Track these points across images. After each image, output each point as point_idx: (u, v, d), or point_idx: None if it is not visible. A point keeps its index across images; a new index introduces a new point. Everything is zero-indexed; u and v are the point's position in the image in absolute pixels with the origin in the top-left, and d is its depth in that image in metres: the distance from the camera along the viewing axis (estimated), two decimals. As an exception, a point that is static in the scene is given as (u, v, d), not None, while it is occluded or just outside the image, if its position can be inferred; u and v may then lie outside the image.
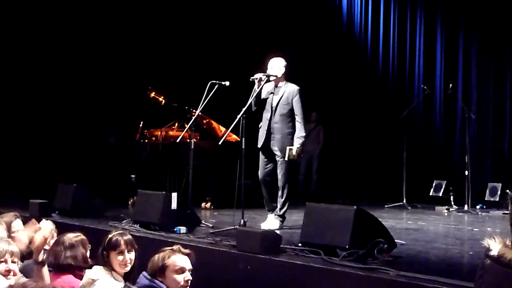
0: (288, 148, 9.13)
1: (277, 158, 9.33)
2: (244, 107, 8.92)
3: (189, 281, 5.08)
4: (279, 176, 9.33)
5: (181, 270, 5.06)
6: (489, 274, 2.94)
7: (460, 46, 14.36)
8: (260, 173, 9.52)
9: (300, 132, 9.21)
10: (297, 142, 9.18)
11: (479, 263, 3.07)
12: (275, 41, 14.13)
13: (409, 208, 12.29)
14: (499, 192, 12.02)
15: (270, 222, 9.32)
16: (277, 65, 9.31)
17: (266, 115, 9.38)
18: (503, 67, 13.71)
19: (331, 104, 15.02)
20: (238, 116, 8.92)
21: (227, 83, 9.34)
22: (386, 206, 12.26)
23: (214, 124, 12.52)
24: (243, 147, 9.07)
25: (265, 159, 9.47)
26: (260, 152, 9.48)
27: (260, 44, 14.05)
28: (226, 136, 9.59)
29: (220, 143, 9.42)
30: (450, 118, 14.26)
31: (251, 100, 9.01)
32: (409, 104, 13.58)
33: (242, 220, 8.83)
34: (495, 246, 2.92)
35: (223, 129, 11.86)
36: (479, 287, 2.99)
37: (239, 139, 9.40)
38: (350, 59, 15.46)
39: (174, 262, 5.13)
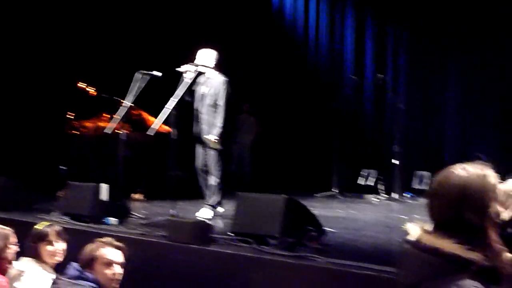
0: (205, 137, 9.31)
1: (207, 149, 9.41)
2: (174, 97, 8.88)
3: (119, 276, 5.01)
4: (210, 165, 9.40)
5: (111, 264, 4.99)
6: (407, 259, 2.96)
7: (389, 36, 14.59)
8: (196, 163, 9.61)
9: (218, 122, 9.26)
10: (214, 132, 9.27)
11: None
12: (205, 31, 14.06)
13: (339, 197, 12.41)
14: (427, 180, 12.19)
15: (204, 212, 9.38)
16: (207, 57, 9.39)
17: (196, 105, 9.47)
18: (432, 58, 13.92)
19: (263, 94, 15.03)
20: (169, 107, 8.89)
21: (158, 73, 9.28)
22: (316, 195, 12.34)
23: (145, 115, 12.45)
24: (174, 137, 9.07)
25: (200, 149, 9.55)
26: (196, 142, 9.54)
27: (189, 34, 13.98)
28: (157, 127, 9.51)
29: (150, 133, 9.34)
30: (379, 108, 14.42)
31: (180, 90, 8.97)
32: (340, 94, 13.71)
33: (173, 211, 8.81)
34: (414, 231, 2.96)
35: (154, 120, 11.78)
36: (398, 272, 3.01)
37: (170, 130, 9.36)
38: (282, 49, 15.49)
39: (103, 255, 5.06)
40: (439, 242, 2.82)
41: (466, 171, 2.90)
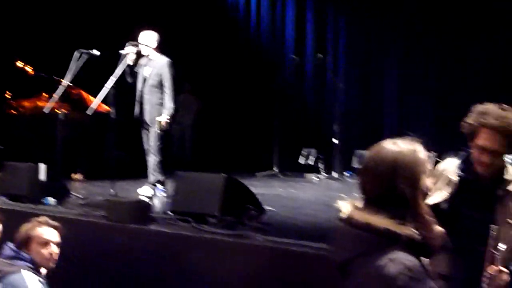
0: (157, 119, 9.31)
1: (149, 129, 9.47)
2: (113, 77, 8.84)
3: (55, 255, 4.97)
4: (153, 146, 9.45)
5: (47, 243, 4.95)
6: (339, 236, 2.99)
7: (330, 17, 14.68)
8: (144, 143, 9.65)
9: (169, 103, 9.36)
10: (166, 113, 9.34)
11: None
12: (145, 10, 13.94)
13: (280, 176, 12.48)
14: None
15: (145, 189, 9.48)
16: (148, 39, 9.44)
17: (138, 86, 9.51)
18: (369, 37, 14.06)
19: (204, 74, 14.98)
20: (108, 87, 8.85)
21: (98, 52, 9.20)
22: (257, 174, 12.38)
23: (85, 94, 12.33)
24: (113, 117, 9.03)
25: (144, 129, 9.63)
26: (138, 123, 9.63)
27: (129, 13, 13.84)
28: (96, 107, 9.43)
29: (89, 113, 9.26)
30: (319, 88, 14.51)
31: (119, 70, 8.93)
32: (280, 73, 13.74)
33: (112, 191, 8.77)
34: (345, 208, 2.98)
35: (94, 99, 11.69)
36: (331, 249, 3.05)
37: (110, 110, 9.31)
38: (223, 29, 15.44)
39: (39, 234, 5.04)
40: (370, 217, 2.86)
41: (397, 145, 2.96)
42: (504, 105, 4.16)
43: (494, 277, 3.94)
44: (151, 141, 9.44)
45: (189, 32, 14.87)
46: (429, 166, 2.99)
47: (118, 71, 8.92)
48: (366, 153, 3.06)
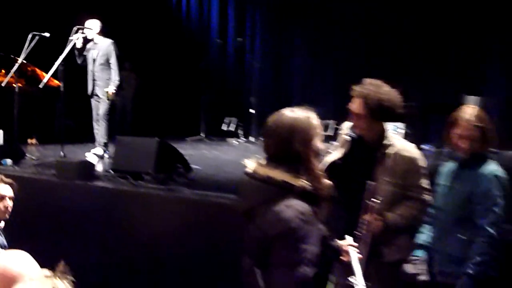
0: (105, 90, 9.33)
1: (100, 100, 9.48)
2: (62, 56, 8.78)
3: (9, 208, 4.93)
4: (101, 115, 9.45)
5: (3, 198, 4.90)
6: (245, 187, 3.03)
7: (248, 6, 14.67)
8: (94, 113, 9.63)
9: (115, 77, 9.42)
10: (113, 85, 9.39)
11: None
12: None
13: (206, 140, 12.44)
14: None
15: (93, 153, 9.43)
16: (93, 26, 9.48)
17: (89, 66, 9.53)
18: (280, 23, 14.08)
19: (142, 55, 14.77)
20: (56, 64, 8.82)
21: (48, 34, 9.07)
22: (187, 139, 12.35)
23: (38, 71, 12.10)
24: (62, 90, 8.99)
25: (94, 102, 9.60)
26: (91, 96, 9.62)
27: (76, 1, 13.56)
28: (47, 81, 9.30)
29: (41, 86, 9.15)
30: (239, 66, 14.47)
31: (67, 49, 8.85)
32: (207, 54, 13.70)
33: (62, 153, 8.73)
34: (251, 165, 3.02)
35: (45, 75, 11.51)
36: (238, 199, 3.10)
37: (60, 84, 9.24)
38: (158, 16, 15.20)
39: None
40: (270, 171, 2.92)
41: (294, 113, 3.02)
42: (378, 80, 4.19)
43: (369, 223, 4.02)
44: (101, 111, 9.43)
45: (128, 19, 14.64)
46: (320, 130, 3.03)
47: (66, 50, 8.81)
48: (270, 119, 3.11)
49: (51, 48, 9.27)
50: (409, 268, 4.19)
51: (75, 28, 9.02)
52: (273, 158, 2.97)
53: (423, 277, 4.14)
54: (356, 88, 4.16)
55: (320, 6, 13.26)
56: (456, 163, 4.19)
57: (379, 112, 4.09)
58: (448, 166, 4.25)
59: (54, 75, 9.23)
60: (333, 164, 4.30)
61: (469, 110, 4.10)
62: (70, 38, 9.05)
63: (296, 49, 13.92)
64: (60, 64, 8.84)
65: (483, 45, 11.58)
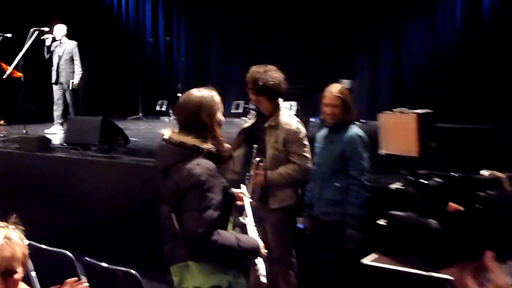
0: (71, 81, 9.47)
1: (64, 88, 9.54)
2: (22, 52, 8.44)
3: None
4: (68, 100, 9.57)
5: None
6: (162, 151, 3.01)
7: (174, 7, 14.41)
8: (56, 98, 9.63)
9: (78, 71, 9.59)
10: (77, 77, 9.55)
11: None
12: (50, 7, 13.01)
13: (143, 118, 12.20)
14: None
15: (55, 130, 9.39)
16: (59, 30, 9.56)
17: (55, 61, 9.57)
18: (201, 25, 13.87)
19: (90, 50, 14.22)
20: (17, 58, 8.53)
21: (10, 35, 8.68)
22: (128, 118, 12.06)
23: (4, 65, 11.49)
24: (23, 80, 8.66)
25: (57, 89, 9.60)
26: (54, 86, 9.62)
27: (38, 7, 12.89)
28: (10, 73, 8.81)
29: (5, 77, 8.71)
30: (168, 59, 14.32)
31: (26, 46, 8.52)
32: (143, 49, 13.33)
33: (24, 131, 8.36)
34: (167, 133, 3.01)
35: (8, 67, 10.99)
36: (156, 160, 3.05)
37: (21, 75, 8.83)
38: (104, 20, 14.71)
39: None
40: (183, 138, 2.92)
41: (201, 92, 3.00)
42: (269, 66, 4.22)
43: (252, 177, 4.07)
44: (67, 98, 9.52)
45: (79, 21, 14.08)
46: (221, 105, 3.02)
47: (25, 47, 8.46)
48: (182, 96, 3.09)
49: (13, 45, 8.84)
50: (299, 221, 4.32)
51: (32, 30, 8.61)
52: (185, 128, 2.97)
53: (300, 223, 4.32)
54: (248, 74, 4.20)
55: (229, 12, 13.20)
56: (327, 129, 4.20)
57: (265, 91, 4.11)
58: (322, 132, 4.27)
59: (16, 68, 8.78)
60: (242, 130, 4.40)
61: (335, 86, 4.14)
62: (43, 37, 9.10)
63: (212, 44, 13.86)
64: (21, 58, 8.50)
65: (354, 40, 11.83)
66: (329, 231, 4.07)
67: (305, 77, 10.71)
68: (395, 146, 2.19)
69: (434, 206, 1.21)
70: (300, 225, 4.34)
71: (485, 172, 1.29)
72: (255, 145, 4.15)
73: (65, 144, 7.32)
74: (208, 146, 2.88)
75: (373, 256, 3.73)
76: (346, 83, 9.95)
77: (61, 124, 9.29)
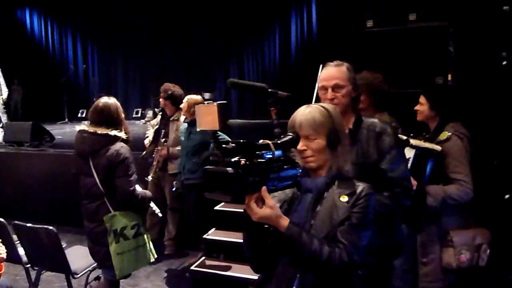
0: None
1: None
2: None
3: None
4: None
5: None
6: (86, 140, 2.85)
7: (88, 45, 13.62)
8: None
9: (4, 90, 8.17)
10: (4, 95, 8.14)
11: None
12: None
13: (69, 123, 11.33)
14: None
15: None
16: None
17: None
18: (108, 51, 13.28)
19: (25, 74, 12.98)
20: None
21: None
22: (57, 122, 11.31)
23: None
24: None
25: None
26: None
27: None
28: None
29: None
30: (86, 79, 13.49)
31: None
32: (65, 73, 12.53)
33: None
34: (82, 127, 2.91)
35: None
36: (77, 148, 2.91)
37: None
38: (33, 52, 13.68)
39: None
40: (105, 130, 2.81)
41: (109, 99, 2.89)
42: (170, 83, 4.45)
43: (159, 151, 4.32)
44: None
45: (14, 54, 12.97)
46: (122, 110, 2.91)
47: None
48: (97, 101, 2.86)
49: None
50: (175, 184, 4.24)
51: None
52: (96, 123, 2.85)
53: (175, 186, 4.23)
54: (161, 88, 4.42)
55: (128, 42, 12.69)
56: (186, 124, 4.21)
57: (171, 99, 4.37)
58: (184, 126, 4.22)
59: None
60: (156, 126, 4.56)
61: (191, 96, 4.12)
62: None
63: (117, 68, 13.32)
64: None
65: (214, 60, 11.55)
66: (190, 190, 4.05)
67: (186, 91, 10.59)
68: (207, 125, 2.47)
69: (232, 161, 1.40)
70: (175, 187, 4.25)
71: (260, 141, 1.54)
72: (163, 130, 4.38)
73: (4, 142, 6.95)
74: (122, 134, 2.83)
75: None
76: (206, 95, 10.10)
77: (2, 127, 8.48)
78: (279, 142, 1.54)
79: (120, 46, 13.00)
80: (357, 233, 1.49)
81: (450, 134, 2.43)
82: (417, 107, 2.61)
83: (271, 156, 1.49)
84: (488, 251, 2.46)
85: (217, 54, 11.57)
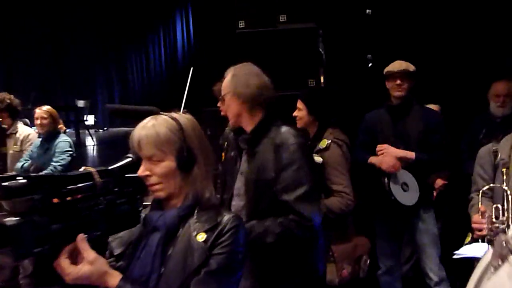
0: None
1: None
2: None
3: None
4: None
5: None
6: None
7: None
8: None
9: None
10: None
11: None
12: None
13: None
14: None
15: None
16: None
17: None
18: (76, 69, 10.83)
19: None
20: None
21: None
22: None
23: None
24: None
25: None
26: None
27: None
28: None
29: None
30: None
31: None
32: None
33: None
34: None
35: None
36: None
37: None
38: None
39: None
40: None
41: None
42: None
43: None
44: None
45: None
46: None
47: None
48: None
49: None
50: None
51: None
52: None
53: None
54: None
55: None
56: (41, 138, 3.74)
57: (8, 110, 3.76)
58: (37, 140, 3.73)
59: None
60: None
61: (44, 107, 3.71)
62: None
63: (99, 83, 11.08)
64: None
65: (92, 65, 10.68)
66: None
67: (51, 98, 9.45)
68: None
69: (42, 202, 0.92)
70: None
71: (81, 169, 1.11)
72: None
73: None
74: None
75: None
76: (83, 103, 9.38)
77: None
78: (109, 168, 1.20)
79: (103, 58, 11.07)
80: (217, 283, 1.13)
81: (329, 142, 2.35)
82: (295, 113, 2.50)
83: (95, 189, 1.14)
84: (368, 261, 2.40)
85: (95, 58, 10.66)
